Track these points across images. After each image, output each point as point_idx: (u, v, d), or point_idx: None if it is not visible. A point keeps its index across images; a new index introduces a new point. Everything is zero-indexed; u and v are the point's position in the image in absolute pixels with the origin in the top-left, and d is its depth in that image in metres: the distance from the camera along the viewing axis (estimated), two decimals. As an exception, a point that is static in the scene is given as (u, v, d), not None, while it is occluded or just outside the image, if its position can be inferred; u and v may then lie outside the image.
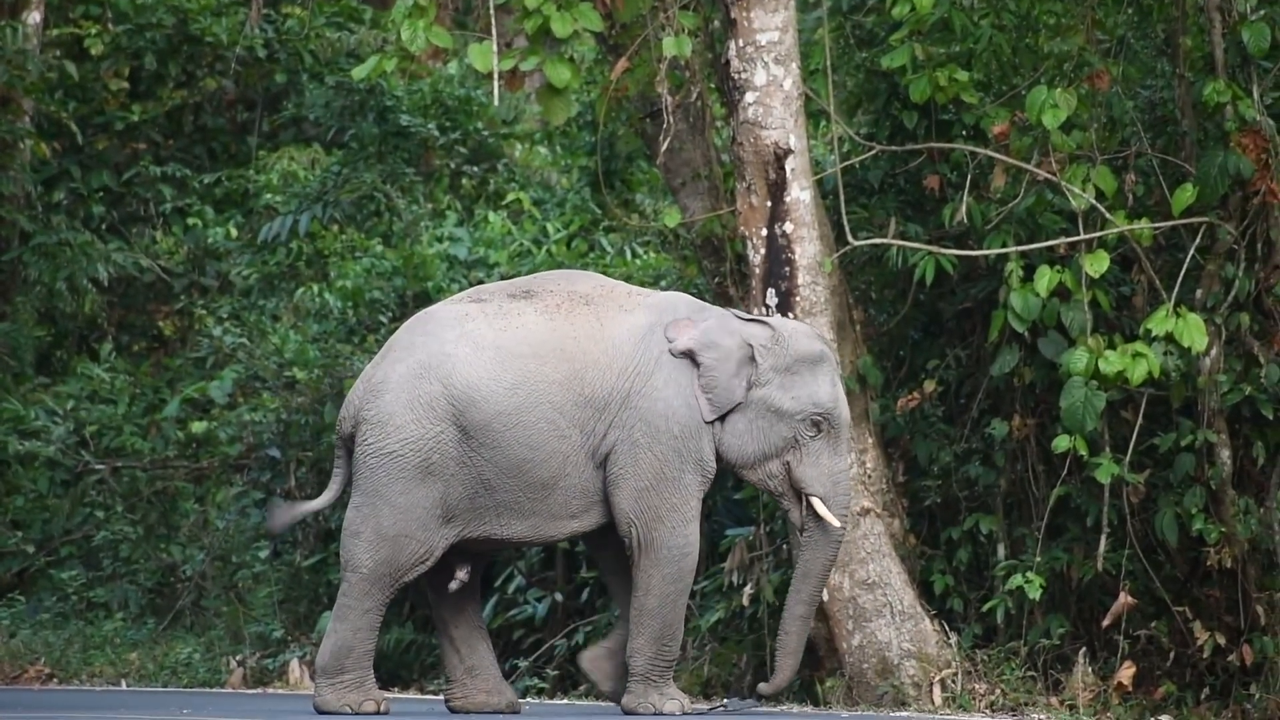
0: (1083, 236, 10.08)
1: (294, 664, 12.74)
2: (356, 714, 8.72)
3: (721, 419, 8.81)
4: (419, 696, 12.00)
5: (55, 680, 13.20)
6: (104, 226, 17.31)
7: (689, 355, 8.75)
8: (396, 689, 12.47)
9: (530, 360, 8.69)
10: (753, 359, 8.82)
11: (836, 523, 8.92)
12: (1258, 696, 9.91)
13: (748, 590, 10.97)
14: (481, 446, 8.67)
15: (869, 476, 10.19)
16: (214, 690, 12.69)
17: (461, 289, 14.33)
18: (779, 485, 8.94)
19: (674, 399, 8.73)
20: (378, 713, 8.76)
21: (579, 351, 8.71)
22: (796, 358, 8.88)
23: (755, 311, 10.07)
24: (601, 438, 8.70)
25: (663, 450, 8.71)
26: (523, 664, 12.18)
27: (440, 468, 8.68)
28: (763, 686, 9.17)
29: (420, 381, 8.70)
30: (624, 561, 8.91)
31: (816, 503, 8.88)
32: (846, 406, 9.00)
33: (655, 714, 8.79)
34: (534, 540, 8.90)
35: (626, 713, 8.86)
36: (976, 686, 9.95)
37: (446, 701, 9.12)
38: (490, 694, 9.06)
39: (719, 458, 8.86)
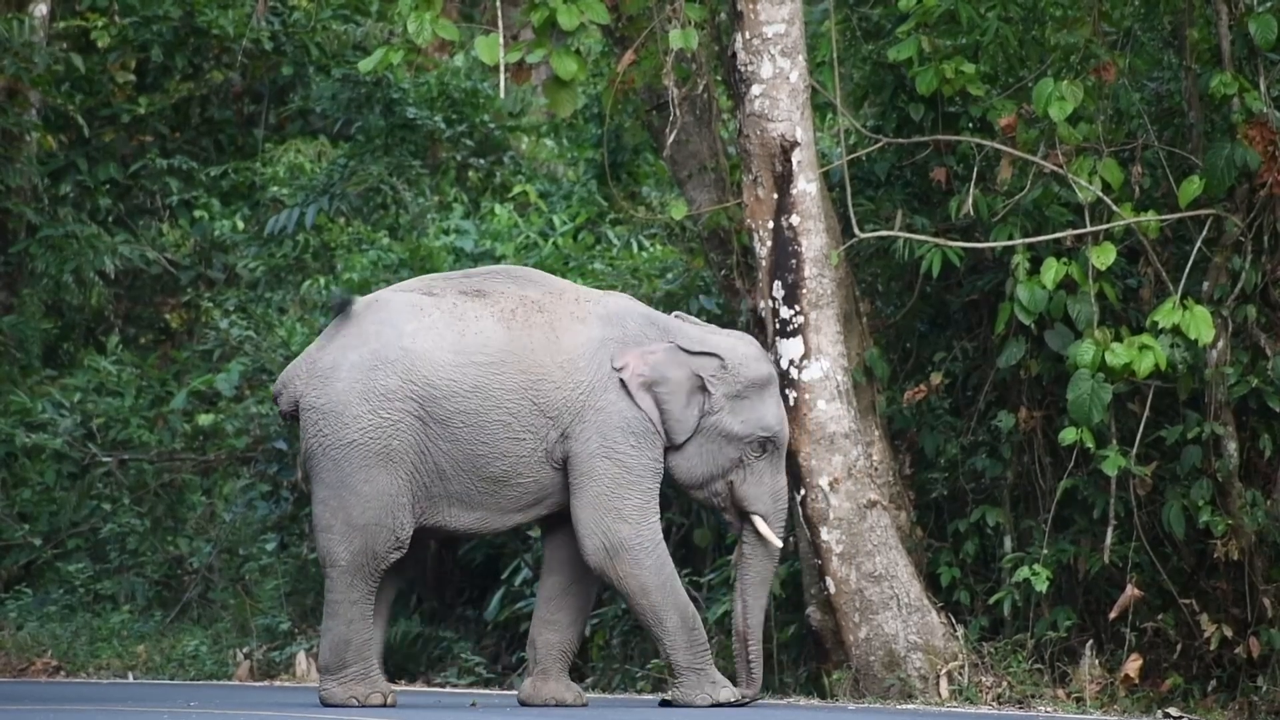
0: (1089, 229, 10.07)
1: (301, 656, 12.75)
2: (364, 706, 8.72)
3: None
4: (425, 689, 12.01)
5: (63, 673, 13.22)
6: (111, 219, 17.32)
7: (643, 387, 8.87)
8: (404, 682, 12.47)
9: (488, 368, 8.78)
10: (704, 389, 8.98)
11: (778, 542, 9.16)
12: (1265, 689, 9.90)
13: (754, 583, 10.97)
14: (439, 438, 8.74)
15: (876, 469, 10.18)
16: (221, 683, 12.71)
17: (468, 281, 14.33)
18: (722, 502, 9.15)
19: (628, 411, 8.88)
20: (384, 705, 8.76)
21: (535, 364, 8.82)
22: (748, 383, 9.08)
23: (760, 305, 10.07)
24: (556, 443, 8.83)
25: (621, 457, 8.84)
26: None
27: (400, 454, 8.72)
28: (746, 691, 9.17)
29: (376, 372, 8.73)
30: (571, 558, 9.02)
31: (759, 522, 9.11)
32: (787, 425, 9.24)
33: (713, 704, 8.86)
34: (479, 532, 9.00)
35: (680, 705, 8.90)
36: (983, 679, 9.95)
37: (320, 690, 8.98)
38: (362, 685, 8.90)
39: (666, 478, 9.03)
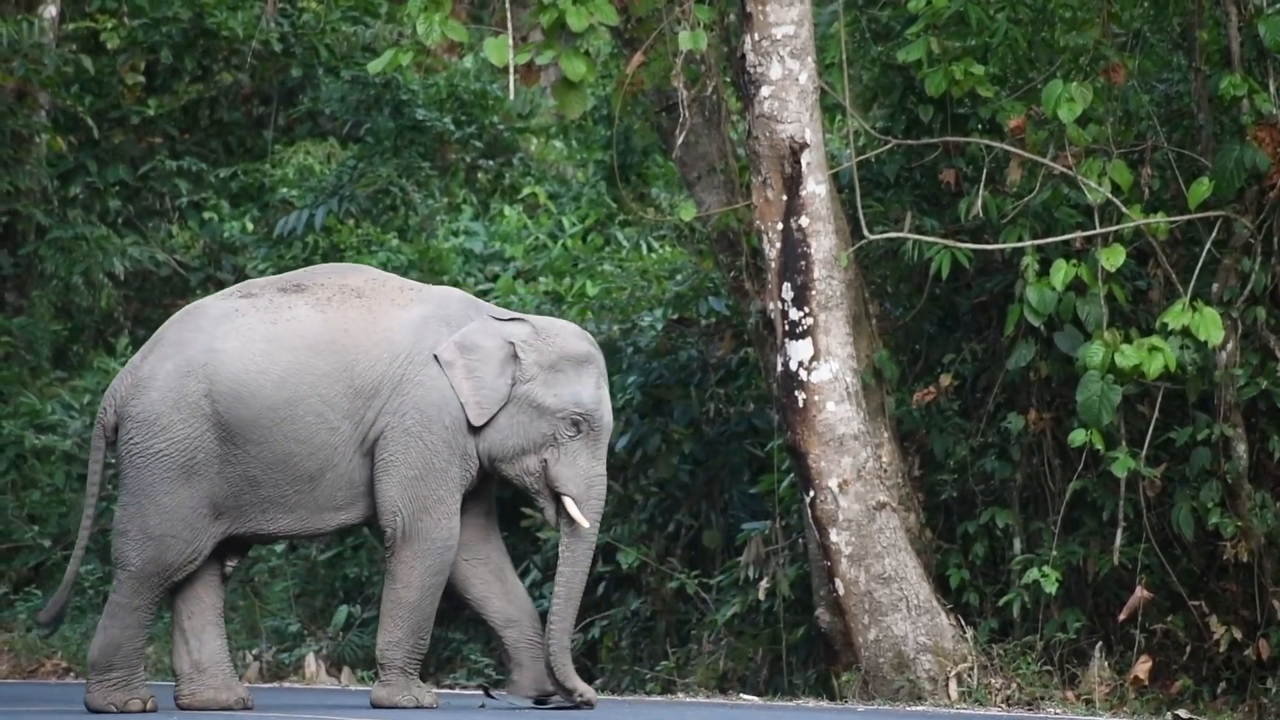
0: (1099, 230, 10.07)
1: (310, 658, 12.76)
2: (122, 713, 8.71)
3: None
4: (433, 690, 11.96)
5: (72, 674, 13.23)
6: (120, 221, 17.33)
7: (449, 361, 8.75)
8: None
9: (301, 352, 8.67)
10: (515, 356, 8.85)
11: (586, 523, 8.95)
12: (1274, 690, 9.90)
13: (764, 584, 11.00)
14: (247, 443, 8.65)
15: (885, 470, 10.18)
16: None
17: (477, 283, 14.34)
18: (535, 483, 8.95)
19: (448, 389, 8.74)
20: (144, 710, 8.74)
21: (351, 343, 8.72)
22: (561, 355, 8.93)
23: (769, 306, 10.09)
24: (371, 425, 8.71)
25: (434, 440, 8.72)
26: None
27: (205, 467, 8.66)
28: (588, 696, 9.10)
29: (186, 379, 8.67)
30: (488, 559, 9.00)
31: (568, 503, 8.93)
32: (610, 412, 9.03)
33: (417, 707, 8.80)
34: (301, 533, 8.89)
35: (380, 706, 8.80)
36: (992, 681, 9.94)
37: (176, 699, 8.98)
38: (219, 690, 8.95)
39: (477, 452, 8.88)
